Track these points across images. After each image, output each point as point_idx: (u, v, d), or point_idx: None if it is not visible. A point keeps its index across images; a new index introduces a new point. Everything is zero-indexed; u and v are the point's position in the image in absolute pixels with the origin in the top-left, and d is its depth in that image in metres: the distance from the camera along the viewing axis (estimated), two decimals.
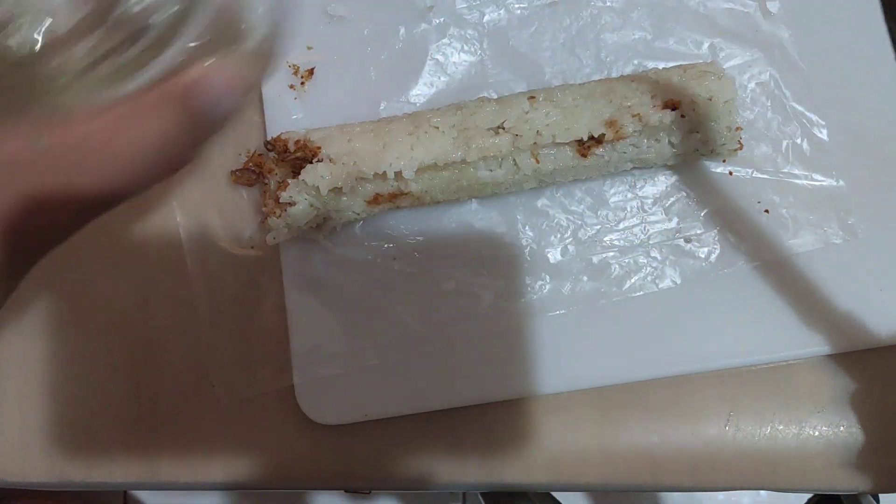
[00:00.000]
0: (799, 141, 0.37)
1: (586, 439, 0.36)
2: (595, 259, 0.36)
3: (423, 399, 0.35)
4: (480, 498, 0.74)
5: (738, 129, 0.34)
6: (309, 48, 0.39)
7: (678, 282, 0.35)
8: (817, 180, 0.36)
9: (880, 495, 0.53)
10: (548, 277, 0.36)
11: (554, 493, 0.71)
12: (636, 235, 0.36)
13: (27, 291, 0.38)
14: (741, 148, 0.35)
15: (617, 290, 0.36)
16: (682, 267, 0.36)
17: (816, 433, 0.35)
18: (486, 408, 0.36)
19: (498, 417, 0.36)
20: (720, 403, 0.36)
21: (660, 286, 0.35)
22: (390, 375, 0.35)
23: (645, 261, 0.36)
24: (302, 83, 0.38)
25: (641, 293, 0.35)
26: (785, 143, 0.37)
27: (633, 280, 0.36)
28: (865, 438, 0.35)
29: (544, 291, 0.36)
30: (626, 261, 0.36)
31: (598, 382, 0.35)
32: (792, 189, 0.36)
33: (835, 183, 0.36)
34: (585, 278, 0.36)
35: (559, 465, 0.35)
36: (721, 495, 1.00)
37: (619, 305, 0.35)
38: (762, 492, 0.44)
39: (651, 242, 0.36)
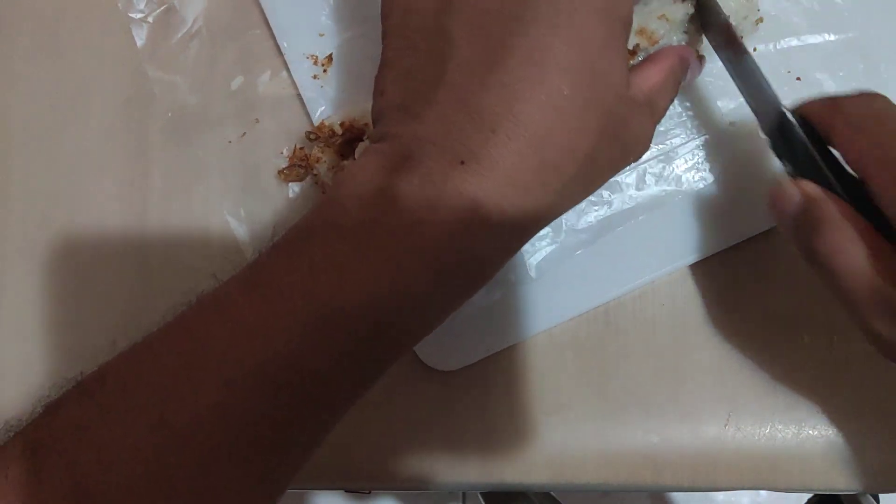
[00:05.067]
0: (810, 4, 0.37)
1: (586, 439, 0.36)
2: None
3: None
4: (480, 498, 0.74)
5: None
6: (321, 35, 0.39)
7: (728, 168, 0.36)
8: (839, 35, 0.37)
9: (880, 495, 0.53)
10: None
11: (554, 493, 0.71)
12: (676, 134, 0.37)
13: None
14: (762, 20, 0.36)
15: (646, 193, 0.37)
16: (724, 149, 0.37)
17: (816, 433, 0.35)
18: (486, 407, 0.36)
19: (497, 417, 0.36)
20: (720, 403, 0.36)
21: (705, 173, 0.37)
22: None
23: (689, 155, 0.37)
24: (324, 70, 0.39)
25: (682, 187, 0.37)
26: (799, 9, 0.37)
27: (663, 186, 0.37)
28: (865, 438, 0.35)
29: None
30: (660, 167, 0.37)
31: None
32: (818, 50, 0.37)
33: (855, 33, 0.37)
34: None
35: (559, 465, 0.35)
36: (721, 495, 1.01)
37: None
38: (762, 492, 0.44)
39: (694, 130, 0.37)
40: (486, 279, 0.27)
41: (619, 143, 0.27)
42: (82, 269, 0.38)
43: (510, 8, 0.25)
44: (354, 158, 0.34)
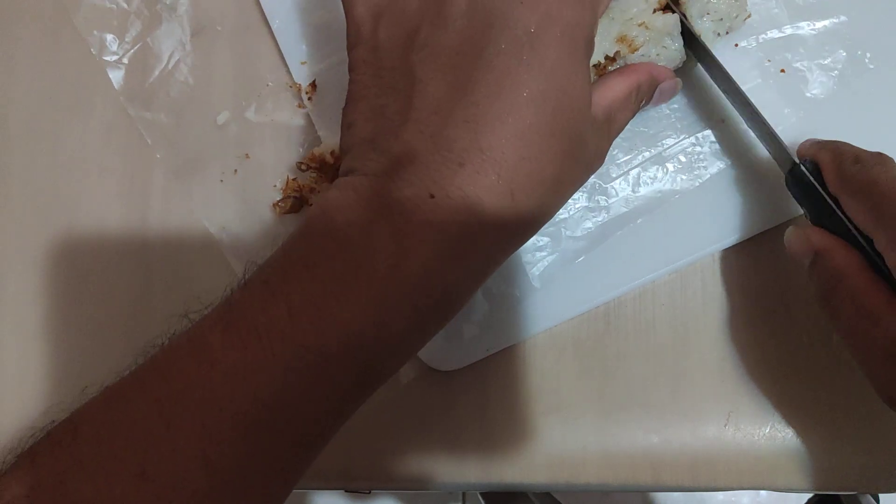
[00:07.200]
0: None
1: (586, 439, 0.36)
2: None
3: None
4: (480, 498, 0.74)
5: None
6: (303, 63, 0.39)
7: (722, 166, 0.36)
8: (821, 23, 0.37)
9: (880, 495, 0.53)
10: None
11: (554, 493, 0.71)
12: (668, 136, 0.37)
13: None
14: (749, 16, 0.36)
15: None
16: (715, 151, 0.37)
17: (816, 433, 0.35)
18: (486, 407, 0.36)
19: (497, 417, 0.36)
20: (720, 403, 0.36)
21: (709, 171, 0.36)
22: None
23: (682, 156, 0.37)
24: (309, 98, 0.38)
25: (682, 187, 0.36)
26: (777, 0, 0.37)
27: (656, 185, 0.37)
28: (865, 438, 0.35)
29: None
30: (654, 169, 0.37)
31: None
32: (800, 41, 0.37)
33: (837, 20, 0.37)
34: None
35: (559, 465, 0.35)
36: (721, 495, 1.01)
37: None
38: (762, 492, 0.44)
39: (684, 130, 0.37)
40: (461, 307, 0.27)
41: (580, 162, 0.28)
42: (82, 269, 0.38)
43: (474, 42, 0.25)
44: None
